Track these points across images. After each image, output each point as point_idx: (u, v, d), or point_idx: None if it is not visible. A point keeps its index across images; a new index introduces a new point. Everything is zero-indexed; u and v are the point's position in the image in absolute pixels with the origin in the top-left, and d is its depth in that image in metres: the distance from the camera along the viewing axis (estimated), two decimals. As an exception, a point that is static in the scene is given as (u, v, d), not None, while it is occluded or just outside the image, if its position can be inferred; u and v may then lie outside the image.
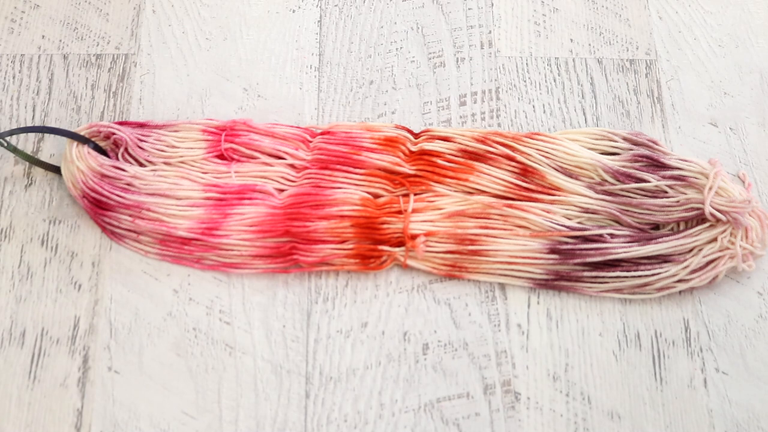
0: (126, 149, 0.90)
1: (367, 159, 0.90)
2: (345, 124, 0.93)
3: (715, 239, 0.86)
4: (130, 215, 0.87)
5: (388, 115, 0.96)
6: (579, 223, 0.88)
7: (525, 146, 0.91)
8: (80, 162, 0.88)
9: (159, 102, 0.95)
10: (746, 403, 0.82)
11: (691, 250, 0.86)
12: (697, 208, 0.87)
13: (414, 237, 0.86)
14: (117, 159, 0.90)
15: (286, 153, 0.91)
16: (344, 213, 0.87)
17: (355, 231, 0.86)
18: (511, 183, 0.90)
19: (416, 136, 0.93)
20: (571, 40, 1.00)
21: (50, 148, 0.92)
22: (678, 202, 0.87)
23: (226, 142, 0.91)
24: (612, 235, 0.87)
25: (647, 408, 0.82)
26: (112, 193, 0.87)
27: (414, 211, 0.88)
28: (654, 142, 0.92)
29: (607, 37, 1.01)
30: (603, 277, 0.86)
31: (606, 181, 0.90)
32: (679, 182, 0.88)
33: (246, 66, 0.98)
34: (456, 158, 0.91)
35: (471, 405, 0.82)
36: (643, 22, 1.02)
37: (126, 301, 0.85)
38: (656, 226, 0.89)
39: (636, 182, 0.89)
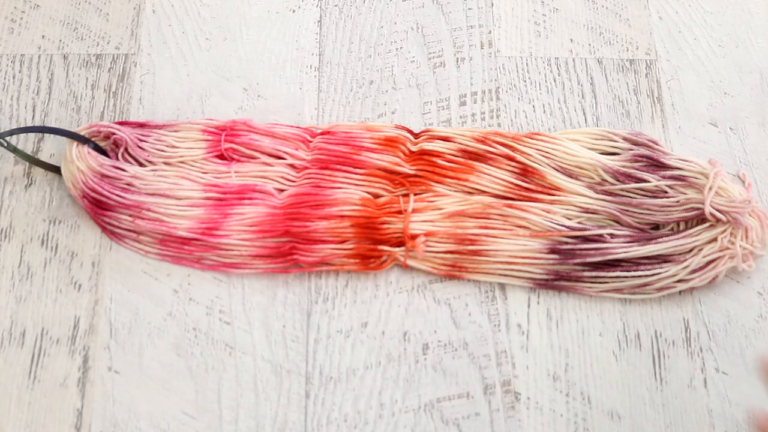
0: (126, 149, 0.90)
1: (367, 159, 0.90)
2: (345, 124, 0.93)
3: (715, 239, 0.86)
4: (130, 215, 0.87)
5: (388, 115, 0.96)
6: (579, 223, 0.88)
7: (525, 146, 0.91)
8: (80, 162, 0.88)
9: (159, 102, 0.95)
10: (746, 403, 0.82)
11: (691, 250, 0.86)
12: (697, 208, 0.87)
13: (414, 237, 0.86)
14: (117, 159, 0.90)
15: (286, 153, 0.91)
16: (344, 213, 0.87)
17: (355, 231, 0.86)
18: (511, 183, 0.90)
19: (416, 136, 0.93)
20: (571, 40, 1.00)
21: (50, 148, 0.92)
22: (678, 202, 0.87)
23: (226, 142, 0.91)
24: (612, 235, 0.87)
25: (647, 408, 0.82)
26: (112, 193, 0.87)
27: (414, 211, 0.88)
28: (654, 142, 0.92)
29: (607, 37, 1.01)
30: (603, 277, 0.86)
31: (606, 181, 0.90)
32: (679, 182, 0.88)
33: (246, 66, 0.98)
34: (456, 158, 0.90)
35: (471, 405, 0.82)
36: (643, 22, 1.02)
37: (126, 301, 0.85)
38: (656, 226, 0.89)
39: (636, 182, 0.89)
